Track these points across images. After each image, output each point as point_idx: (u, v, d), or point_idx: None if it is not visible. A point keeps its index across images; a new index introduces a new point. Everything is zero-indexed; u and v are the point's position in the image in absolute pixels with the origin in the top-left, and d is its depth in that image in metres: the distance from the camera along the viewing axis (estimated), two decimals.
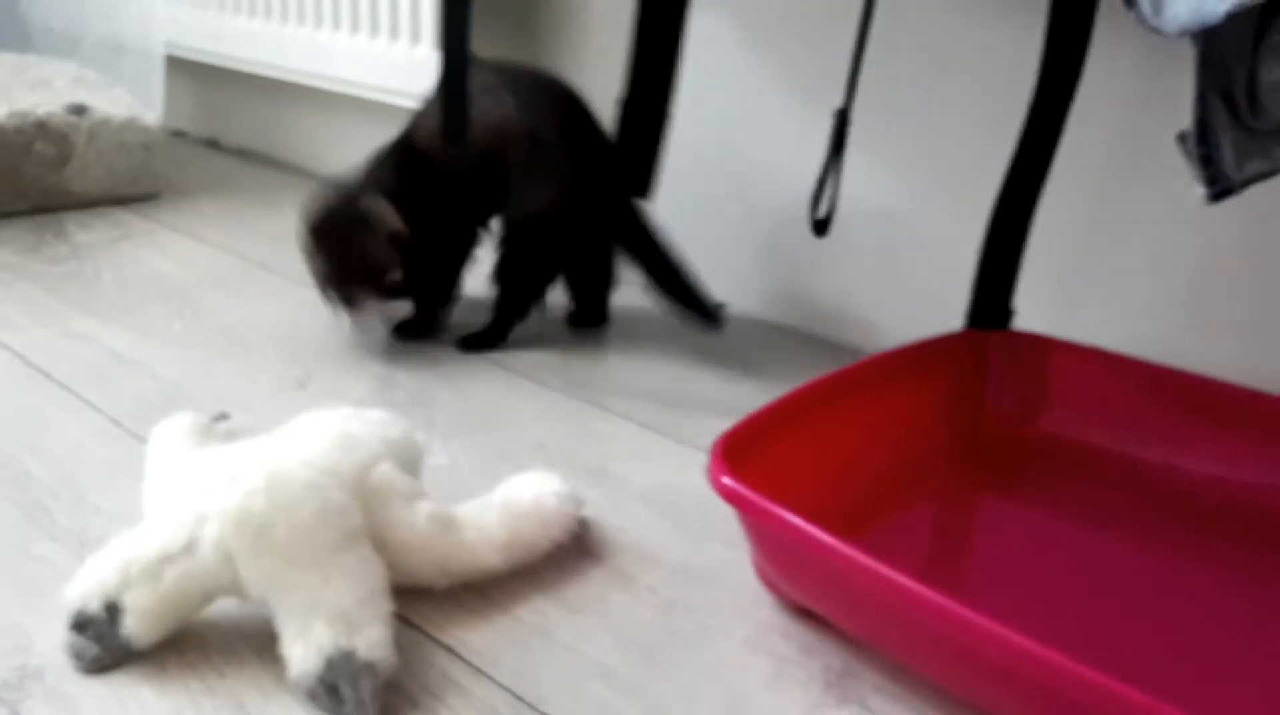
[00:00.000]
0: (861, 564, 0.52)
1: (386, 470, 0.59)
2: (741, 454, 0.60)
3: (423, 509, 0.59)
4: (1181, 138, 0.63)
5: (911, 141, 0.95)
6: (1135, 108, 0.82)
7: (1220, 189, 0.61)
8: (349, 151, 1.44)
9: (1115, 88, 0.81)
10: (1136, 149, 0.83)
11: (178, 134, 1.68)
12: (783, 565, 0.60)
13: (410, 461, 0.63)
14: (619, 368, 0.95)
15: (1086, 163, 0.83)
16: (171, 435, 0.66)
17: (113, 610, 0.54)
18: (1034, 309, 0.84)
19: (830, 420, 0.70)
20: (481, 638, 0.58)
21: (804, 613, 0.61)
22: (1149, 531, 0.72)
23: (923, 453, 0.76)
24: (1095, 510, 0.74)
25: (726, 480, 0.57)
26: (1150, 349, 0.79)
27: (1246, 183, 0.61)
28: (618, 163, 0.83)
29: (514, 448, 0.79)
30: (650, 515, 0.71)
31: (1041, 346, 0.81)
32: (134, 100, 1.37)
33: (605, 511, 0.70)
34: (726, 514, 0.59)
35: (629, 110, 0.74)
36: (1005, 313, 0.82)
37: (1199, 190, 0.62)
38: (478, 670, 0.55)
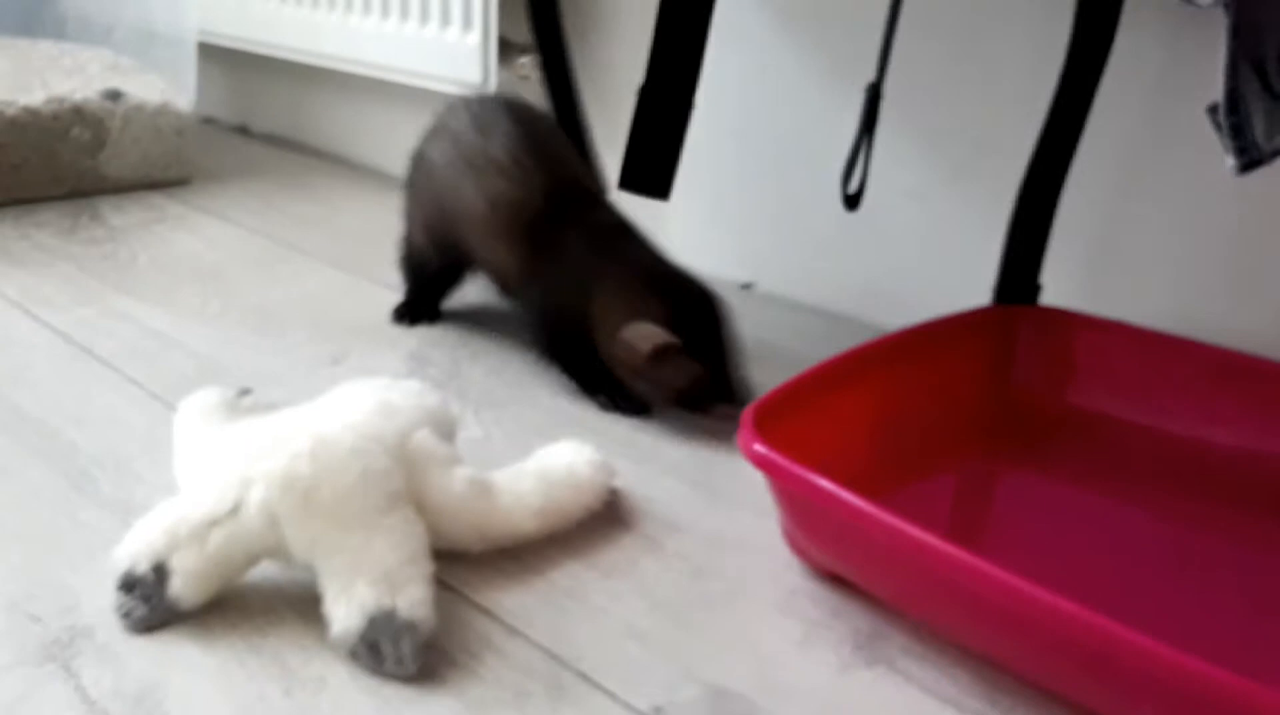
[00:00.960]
0: (885, 522, 0.53)
1: (425, 436, 0.61)
2: (773, 422, 0.61)
3: (460, 474, 0.61)
4: (1212, 108, 0.63)
5: (941, 118, 0.95)
6: (1163, 80, 0.82)
7: (1250, 159, 0.61)
8: (378, 137, 1.47)
9: (1143, 60, 0.81)
10: (1164, 122, 0.83)
11: (209, 120, 1.70)
12: (810, 529, 0.61)
13: (446, 429, 0.65)
14: None
15: (1115, 136, 0.84)
16: (198, 410, 0.67)
17: (160, 571, 0.55)
18: (1062, 283, 0.84)
19: (860, 392, 0.71)
20: (516, 600, 0.59)
21: (833, 578, 0.62)
22: (1175, 504, 0.72)
23: (951, 425, 0.76)
24: (1121, 483, 0.74)
25: (758, 446, 0.58)
26: (1178, 323, 0.79)
27: (1276, 153, 0.61)
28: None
29: (545, 421, 0.80)
30: (680, 486, 0.72)
31: (1068, 321, 0.81)
32: (167, 86, 1.39)
33: (636, 482, 0.71)
34: (756, 485, 0.60)
35: (648, 99, 0.73)
36: (1033, 288, 0.82)
37: (1229, 161, 0.63)
38: (513, 630, 0.57)
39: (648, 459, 0.75)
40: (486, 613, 0.58)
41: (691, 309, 0.78)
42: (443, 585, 0.59)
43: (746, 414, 0.61)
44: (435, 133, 0.93)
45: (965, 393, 0.78)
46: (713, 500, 0.70)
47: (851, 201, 0.73)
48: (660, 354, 0.75)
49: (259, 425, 0.61)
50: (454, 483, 0.60)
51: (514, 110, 0.89)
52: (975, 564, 0.50)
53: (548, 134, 0.90)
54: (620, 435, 0.78)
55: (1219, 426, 0.76)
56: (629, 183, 0.76)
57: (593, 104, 1.03)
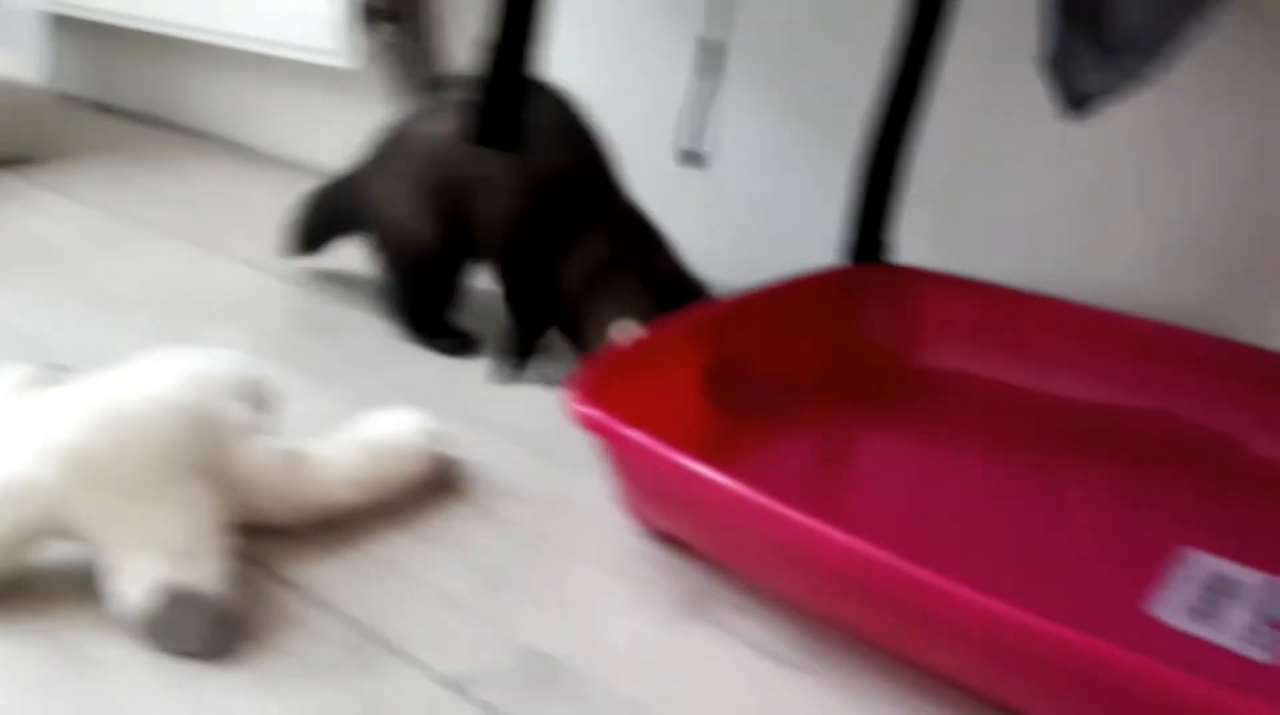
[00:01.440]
0: (707, 479, 0.51)
1: (232, 407, 0.58)
2: (605, 383, 0.60)
3: (270, 446, 0.58)
4: (1038, 57, 0.63)
5: (784, 73, 0.94)
6: (1009, 36, 0.82)
7: (1079, 106, 0.61)
8: (242, 110, 1.42)
9: (989, 15, 0.81)
10: (1011, 76, 0.83)
11: (66, 96, 1.63)
12: (636, 489, 0.60)
13: (263, 400, 0.62)
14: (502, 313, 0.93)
15: (962, 93, 0.83)
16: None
17: None
18: (916, 244, 0.84)
19: (704, 352, 0.70)
20: (329, 572, 0.57)
21: (668, 538, 0.61)
22: (1024, 457, 0.72)
23: (801, 385, 0.75)
24: (970, 436, 0.74)
25: (580, 406, 0.57)
26: (1031, 278, 0.79)
27: (1103, 98, 0.61)
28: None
29: (389, 393, 0.77)
30: (521, 451, 0.70)
31: (914, 278, 0.81)
32: (12, 60, 1.33)
33: (474, 449, 0.69)
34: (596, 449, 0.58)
35: (493, 54, 0.71)
36: (881, 246, 0.81)
37: (1060, 109, 0.62)
38: (323, 604, 0.54)
39: (490, 425, 0.73)
40: (295, 587, 0.55)
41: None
42: (250, 560, 0.56)
43: (574, 374, 0.59)
44: (429, 110, 0.86)
45: (814, 352, 0.78)
46: (553, 465, 0.68)
47: (691, 159, 0.71)
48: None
49: (54, 396, 0.58)
50: (262, 455, 0.57)
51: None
52: (791, 516, 0.49)
53: (575, 112, 0.85)
54: (465, 403, 0.76)
55: (1066, 378, 0.76)
56: (486, 138, 0.74)
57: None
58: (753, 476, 0.64)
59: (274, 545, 0.58)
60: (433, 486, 0.64)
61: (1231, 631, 0.54)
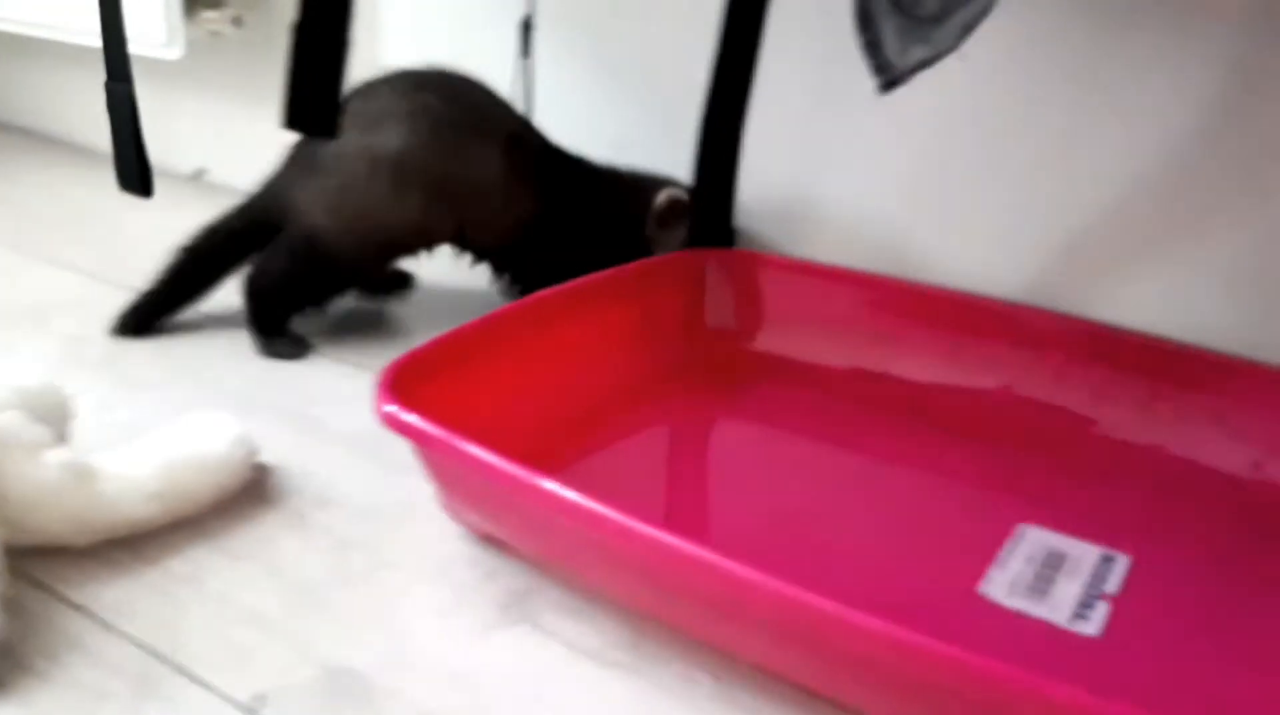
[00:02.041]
0: (518, 479, 0.49)
1: (7, 419, 0.53)
2: (418, 381, 0.57)
3: (53, 460, 0.54)
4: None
5: (614, 51, 0.92)
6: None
7: (889, 78, 0.60)
8: (64, 105, 1.34)
9: None
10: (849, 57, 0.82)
11: None
12: (450, 491, 0.57)
13: (50, 412, 0.57)
14: (335, 310, 0.89)
15: (797, 78, 0.82)
16: None
17: None
18: (767, 226, 0.83)
19: (533, 344, 0.67)
20: (123, 593, 0.53)
21: (490, 540, 0.58)
22: (867, 438, 0.71)
23: (643, 374, 0.74)
24: (814, 420, 0.73)
25: (387, 407, 0.53)
26: (878, 260, 0.79)
27: (913, 70, 0.60)
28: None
29: (213, 399, 0.73)
30: (346, 457, 0.66)
31: (756, 262, 0.80)
32: None
33: (296, 455, 0.66)
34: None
35: (304, 36, 0.67)
36: (727, 232, 0.80)
37: (875, 82, 0.61)
38: (109, 626, 0.50)
39: (313, 430, 0.69)
40: (81, 609, 0.51)
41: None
42: (34, 583, 0.52)
43: (384, 372, 0.56)
44: (378, 122, 0.81)
45: (654, 340, 0.76)
46: (377, 470, 0.65)
47: (518, 140, 0.68)
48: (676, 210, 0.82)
49: None
50: (42, 470, 0.53)
51: (443, 73, 0.83)
52: (601, 514, 0.47)
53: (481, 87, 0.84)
54: (289, 406, 0.72)
55: (910, 360, 0.76)
56: (295, 121, 0.70)
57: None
58: (586, 472, 0.63)
59: (62, 566, 0.54)
60: (246, 497, 0.61)
61: (1063, 607, 0.54)
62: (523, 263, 0.85)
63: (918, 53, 0.59)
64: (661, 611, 0.51)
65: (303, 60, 0.66)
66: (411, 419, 0.52)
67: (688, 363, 0.76)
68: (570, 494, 0.47)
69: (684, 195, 0.82)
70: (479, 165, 0.80)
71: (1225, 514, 0.63)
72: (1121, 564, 0.58)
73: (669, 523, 0.45)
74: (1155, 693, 0.49)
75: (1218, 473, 0.66)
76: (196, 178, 1.23)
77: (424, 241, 0.83)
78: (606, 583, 0.53)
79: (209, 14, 1.07)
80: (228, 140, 1.17)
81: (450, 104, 0.80)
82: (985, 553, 0.58)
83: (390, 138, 0.79)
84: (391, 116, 0.79)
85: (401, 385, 0.55)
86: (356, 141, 0.79)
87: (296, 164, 0.83)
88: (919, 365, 0.75)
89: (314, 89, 0.67)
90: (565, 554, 0.53)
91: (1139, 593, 0.55)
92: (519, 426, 0.60)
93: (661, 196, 0.82)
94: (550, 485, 0.47)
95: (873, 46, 0.59)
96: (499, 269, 0.86)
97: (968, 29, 0.58)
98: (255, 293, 0.82)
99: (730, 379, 0.76)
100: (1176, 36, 0.69)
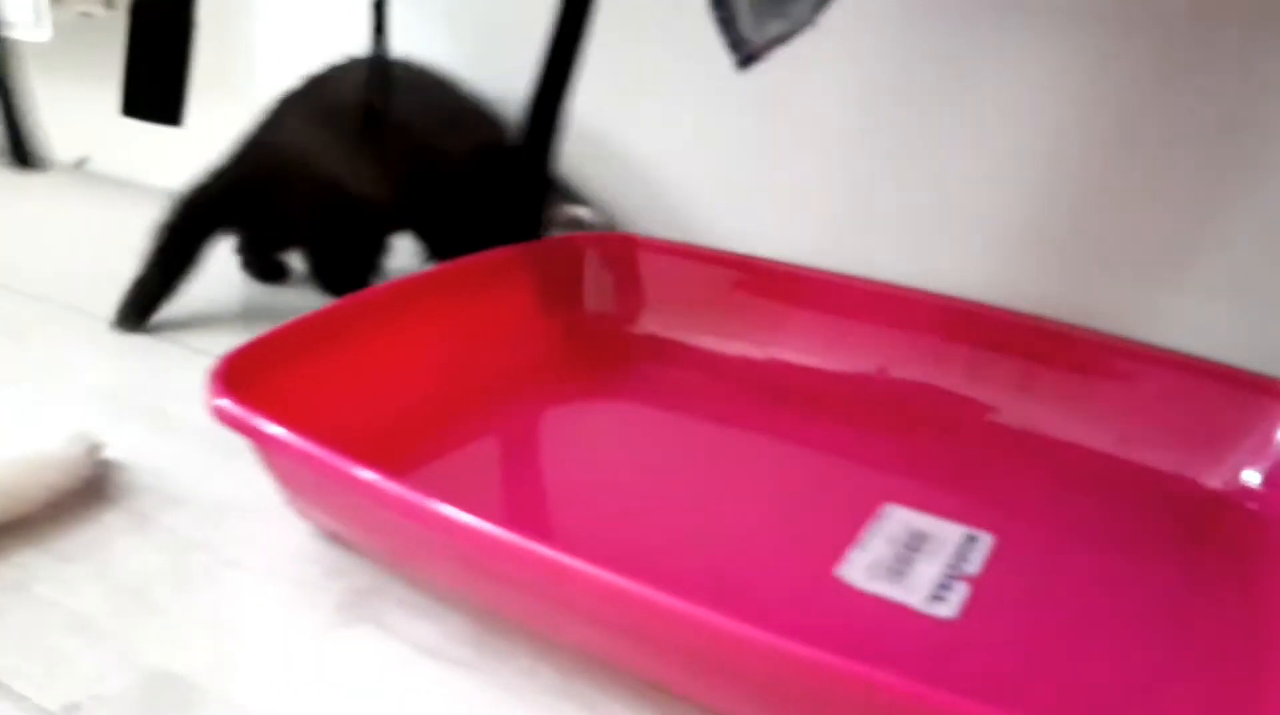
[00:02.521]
0: (348, 474, 0.47)
1: None
2: (261, 373, 0.55)
3: None
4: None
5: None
6: None
7: (745, 54, 0.59)
8: None
9: None
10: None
11: None
12: (289, 487, 0.55)
13: None
14: (208, 302, 0.86)
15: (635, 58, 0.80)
16: None
17: None
18: (652, 211, 0.81)
19: (392, 333, 0.65)
20: None
21: (338, 537, 0.56)
22: (745, 423, 0.70)
23: (518, 362, 0.72)
24: (692, 404, 0.72)
25: (219, 401, 0.51)
26: (758, 243, 0.77)
27: (769, 45, 0.59)
28: None
29: (69, 392, 0.71)
30: (199, 453, 0.64)
31: (633, 245, 0.78)
32: None
33: (146, 452, 0.63)
34: None
35: (141, 18, 0.65)
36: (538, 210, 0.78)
37: (732, 60, 0.60)
38: None
39: (168, 425, 0.67)
40: None
41: None
42: None
43: (218, 364, 0.54)
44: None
45: (529, 326, 0.74)
46: (230, 466, 0.62)
47: (374, 120, 0.66)
48: None
49: None
50: None
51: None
52: (426, 507, 0.45)
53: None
54: (144, 401, 0.69)
55: (791, 344, 0.75)
56: (135, 108, 0.67)
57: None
58: (448, 466, 0.61)
59: None
60: (86, 496, 0.58)
61: (920, 589, 0.53)
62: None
63: (774, 27, 0.58)
64: (501, 607, 0.49)
65: (141, 44, 0.63)
66: (242, 413, 0.50)
67: (566, 349, 0.75)
68: (395, 488, 0.45)
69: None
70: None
71: (1093, 492, 0.63)
72: (984, 544, 0.57)
73: (525, 515, 0.44)
74: (1004, 676, 0.48)
75: (1087, 450, 0.66)
76: (79, 166, 1.19)
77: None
78: (444, 579, 0.51)
79: None
80: (109, 127, 1.13)
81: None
82: (849, 534, 0.57)
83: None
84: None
85: (238, 377, 0.53)
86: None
87: (298, 115, 0.81)
88: (797, 347, 0.74)
89: (155, 74, 0.64)
90: (403, 553, 0.52)
91: (1000, 574, 0.55)
92: (373, 421, 0.59)
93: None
94: (378, 481, 0.45)
95: (726, 22, 0.58)
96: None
97: (823, 2, 0.57)
98: (334, 284, 0.81)
99: (610, 364, 0.75)
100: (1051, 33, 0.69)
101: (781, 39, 0.58)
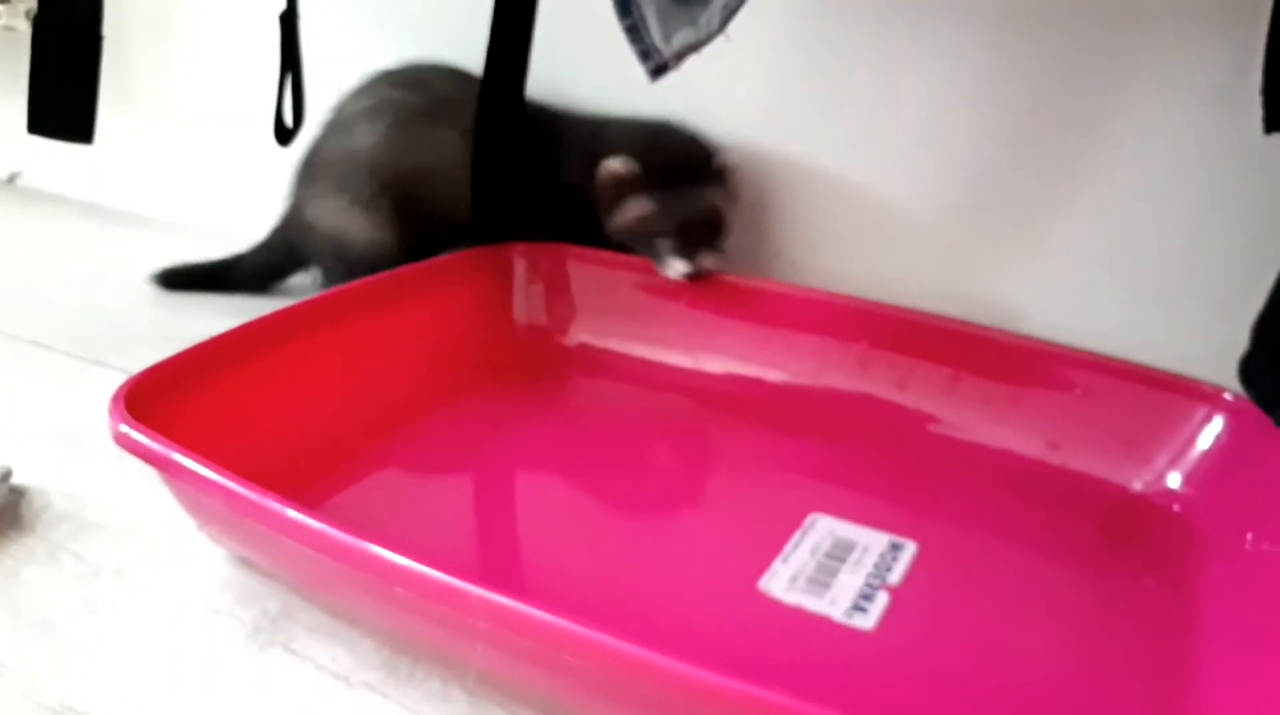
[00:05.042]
0: (248, 500, 0.46)
1: None
2: (169, 396, 0.54)
3: None
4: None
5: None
6: None
7: (656, 64, 0.59)
8: None
9: None
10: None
11: None
12: (194, 512, 0.53)
13: None
14: (131, 321, 0.85)
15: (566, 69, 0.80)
16: None
17: None
18: None
19: (311, 352, 0.64)
20: None
21: (250, 562, 0.55)
22: (672, 433, 0.70)
23: (444, 377, 0.71)
24: (622, 414, 0.72)
25: (122, 426, 0.50)
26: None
27: (680, 55, 0.58)
28: None
29: None
30: (114, 478, 0.62)
31: (562, 254, 0.78)
32: None
33: (60, 476, 0.62)
34: None
35: (49, 30, 0.63)
36: (508, 225, 0.77)
37: (644, 69, 0.60)
38: None
39: (83, 449, 0.65)
40: None
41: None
42: None
43: (121, 388, 0.53)
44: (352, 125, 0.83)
45: (457, 340, 0.73)
46: (145, 490, 0.61)
47: (283, 136, 0.65)
48: (616, 185, 0.74)
49: None
50: None
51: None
52: (320, 531, 0.44)
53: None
54: (60, 425, 0.68)
55: (717, 350, 0.75)
56: (41, 126, 0.66)
57: None
58: (370, 487, 0.60)
59: None
60: None
61: (841, 601, 0.53)
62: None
63: (682, 37, 0.58)
64: (410, 634, 0.49)
65: (45, 60, 0.62)
66: (144, 439, 0.49)
67: (494, 362, 0.74)
68: (299, 517, 0.44)
69: (621, 168, 0.74)
70: (435, 151, 0.80)
71: (1021, 498, 0.63)
72: (909, 552, 0.57)
73: (439, 540, 0.43)
74: (917, 687, 0.48)
75: (1015, 456, 0.66)
76: (10, 182, 1.17)
77: (398, 243, 0.82)
78: (353, 606, 0.50)
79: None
80: (40, 142, 1.11)
81: (413, 95, 0.82)
82: (775, 545, 0.57)
83: (361, 138, 0.81)
84: (360, 117, 0.81)
85: (145, 401, 0.52)
86: (335, 143, 0.82)
87: (300, 180, 0.84)
88: (727, 355, 0.74)
89: (61, 90, 0.63)
90: (310, 581, 0.51)
91: (922, 582, 0.54)
92: (287, 444, 0.58)
93: (601, 171, 0.75)
94: (281, 509, 0.44)
95: (634, 31, 0.57)
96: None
97: (731, 11, 0.56)
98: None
99: (540, 376, 0.74)
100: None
101: (691, 48, 0.58)
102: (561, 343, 0.77)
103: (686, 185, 0.74)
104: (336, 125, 0.83)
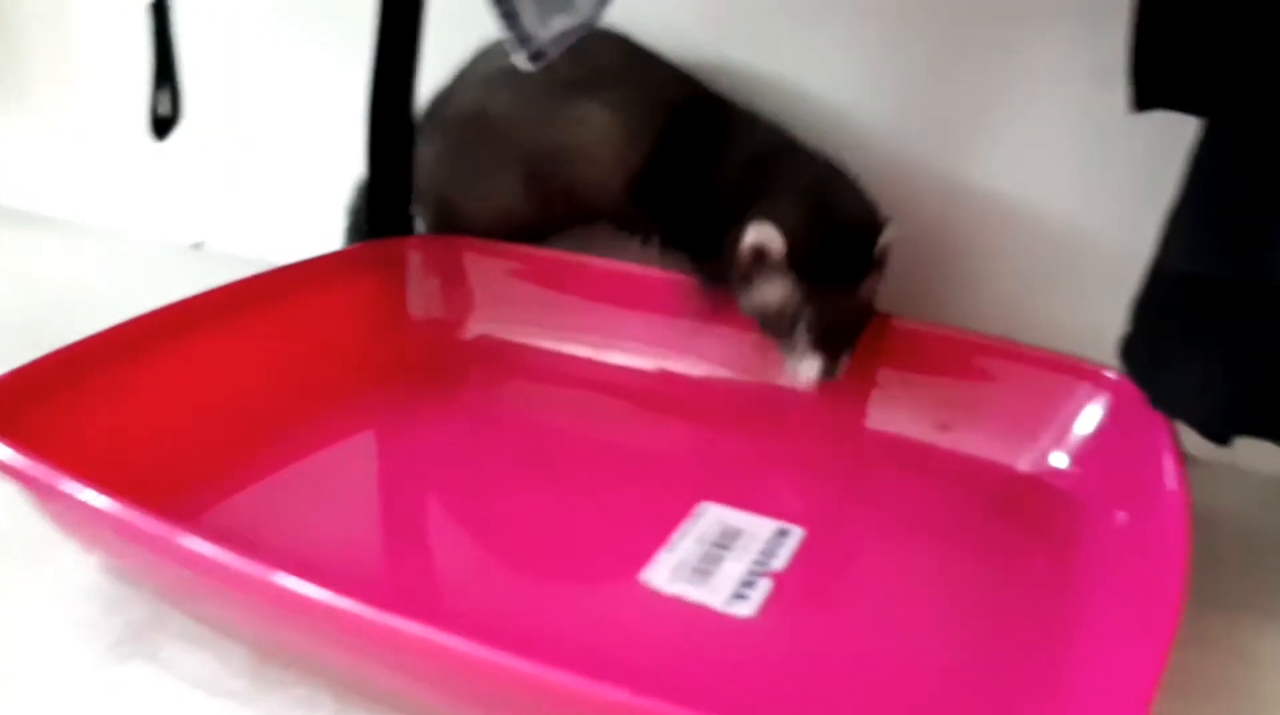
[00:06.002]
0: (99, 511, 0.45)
1: None
2: (32, 402, 0.52)
3: None
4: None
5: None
6: None
7: (534, 50, 0.58)
8: None
9: None
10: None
11: None
12: (56, 521, 0.52)
13: None
14: (24, 321, 0.82)
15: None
16: None
17: None
18: None
19: (190, 355, 0.62)
20: None
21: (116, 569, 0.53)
22: (567, 421, 0.69)
23: (338, 375, 0.69)
24: (521, 410, 0.71)
25: None
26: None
27: (557, 41, 0.58)
28: None
29: None
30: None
31: (458, 247, 0.76)
32: None
33: None
34: None
35: None
36: (405, 219, 0.76)
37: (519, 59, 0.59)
38: None
39: None
40: None
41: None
42: None
43: None
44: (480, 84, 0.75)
45: (349, 338, 0.72)
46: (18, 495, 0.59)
47: (160, 128, 0.63)
48: (758, 257, 0.63)
49: None
50: None
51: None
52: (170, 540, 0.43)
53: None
54: None
55: (614, 339, 0.74)
56: None
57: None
58: (256, 493, 0.59)
59: None
60: None
61: (722, 589, 0.52)
62: (652, 223, 0.73)
63: (558, 22, 0.57)
64: (279, 644, 0.48)
65: None
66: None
67: (388, 359, 0.72)
68: (151, 526, 0.43)
69: (768, 242, 0.62)
70: (575, 127, 0.72)
71: (911, 481, 0.63)
72: (795, 538, 0.57)
73: (316, 547, 0.42)
74: (794, 673, 0.48)
75: (905, 440, 0.66)
76: None
77: (529, 216, 0.76)
78: (216, 616, 0.49)
79: None
80: None
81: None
82: (663, 536, 0.56)
83: (492, 101, 0.73)
84: (495, 78, 0.74)
85: (6, 407, 0.50)
86: (463, 101, 0.75)
87: (422, 130, 0.76)
88: (629, 347, 0.73)
89: None
90: (174, 592, 0.50)
91: (807, 567, 0.54)
92: (167, 452, 0.56)
93: (744, 241, 0.63)
94: (125, 515, 0.43)
95: (510, 18, 0.56)
96: (634, 233, 0.75)
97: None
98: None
99: (436, 372, 0.73)
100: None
101: (569, 34, 0.57)
102: (460, 337, 0.76)
103: (842, 273, 0.63)
104: (468, 80, 0.76)
